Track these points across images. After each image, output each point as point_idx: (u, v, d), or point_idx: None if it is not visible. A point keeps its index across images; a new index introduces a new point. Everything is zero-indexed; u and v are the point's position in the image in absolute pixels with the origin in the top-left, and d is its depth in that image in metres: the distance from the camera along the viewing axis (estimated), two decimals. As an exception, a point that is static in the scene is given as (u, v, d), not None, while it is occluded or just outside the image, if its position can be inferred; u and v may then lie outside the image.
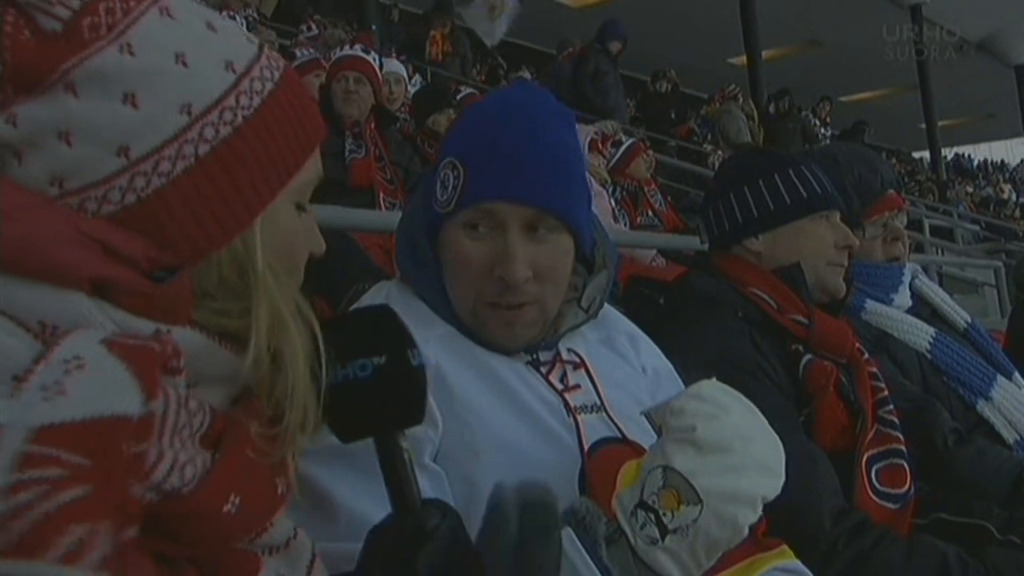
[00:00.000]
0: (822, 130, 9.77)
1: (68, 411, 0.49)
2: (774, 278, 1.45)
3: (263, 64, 0.64)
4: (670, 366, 1.18)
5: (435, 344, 0.97)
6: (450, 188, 0.99)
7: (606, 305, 1.14)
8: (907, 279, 1.85)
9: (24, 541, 0.45)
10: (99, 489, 0.48)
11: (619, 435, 1.01)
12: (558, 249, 1.01)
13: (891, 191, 1.85)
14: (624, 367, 1.12)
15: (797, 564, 1.11)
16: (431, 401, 0.89)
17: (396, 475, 0.70)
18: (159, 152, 0.58)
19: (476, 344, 1.02)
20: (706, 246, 1.60)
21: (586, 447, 0.98)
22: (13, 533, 0.45)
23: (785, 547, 1.11)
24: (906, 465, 1.38)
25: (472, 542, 0.71)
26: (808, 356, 1.39)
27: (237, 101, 0.61)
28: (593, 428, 1.00)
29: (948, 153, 19.61)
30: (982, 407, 1.70)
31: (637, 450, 1.01)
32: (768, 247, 1.47)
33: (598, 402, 1.02)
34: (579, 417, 0.99)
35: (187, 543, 0.58)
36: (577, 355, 1.06)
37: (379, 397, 0.70)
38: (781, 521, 1.15)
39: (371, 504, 0.84)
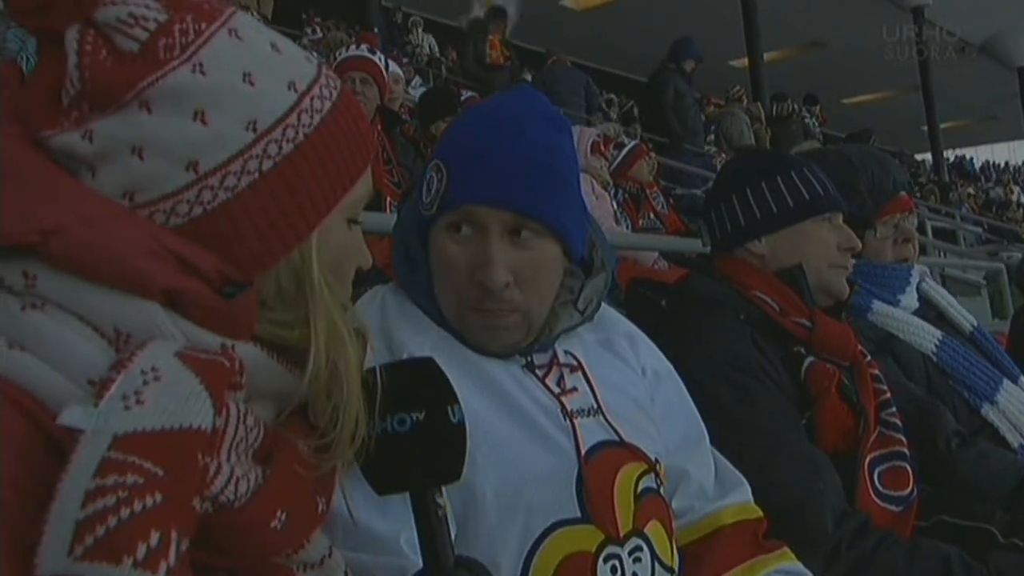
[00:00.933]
0: (817, 129, 9.75)
1: (147, 420, 0.51)
2: (776, 280, 1.45)
3: (322, 84, 0.66)
4: (670, 367, 1.17)
5: (429, 351, 0.96)
6: (433, 190, 0.99)
7: (604, 306, 1.13)
8: (915, 281, 1.84)
9: (105, 545, 0.47)
10: (173, 498, 0.50)
11: (617, 438, 1.00)
12: (542, 255, 0.99)
13: (903, 193, 1.85)
14: (623, 369, 1.11)
15: (798, 566, 1.10)
16: None
17: (430, 531, 0.69)
18: (226, 167, 0.60)
19: (469, 349, 1.01)
20: (708, 248, 1.60)
21: (583, 451, 0.97)
22: (95, 537, 0.47)
23: (787, 549, 1.11)
24: (908, 467, 1.38)
25: None
26: (810, 359, 1.38)
27: (299, 119, 0.63)
28: (590, 431, 0.99)
29: (950, 155, 19.59)
30: (987, 411, 1.69)
31: (635, 453, 1.01)
32: (771, 249, 1.47)
33: (595, 405, 1.02)
34: (576, 421, 0.99)
35: (228, 555, 0.59)
36: (574, 358, 1.05)
37: (417, 452, 0.69)
38: (784, 523, 1.15)
39: (370, 514, 0.84)
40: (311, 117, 0.64)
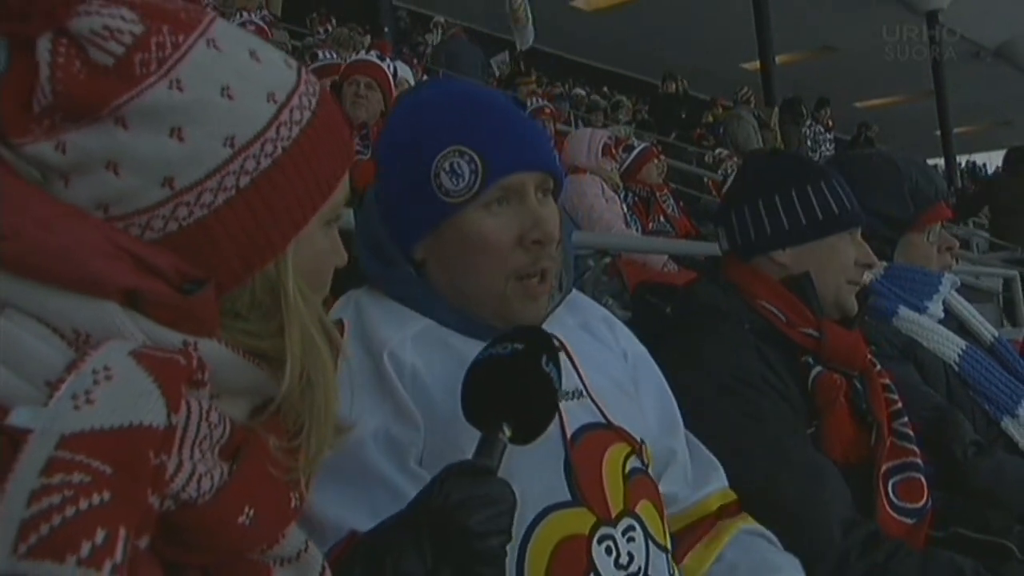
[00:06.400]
0: (828, 135, 9.65)
1: (95, 419, 0.51)
2: (783, 290, 1.41)
3: (302, 91, 0.66)
4: (645, 351, 1.18)
5: (411, 344, 0.97)
6: (467, 174, 0.98)
7: (576, 292, 1.14)
8: (944, 290, 1.80)
9: (49, 543, 0.47)
10: (121, 496, 0.50)
11: (603, 420, 1.00)
12: (556, 210, 1.04)
13: (942, 202, 1.84)
14: (604, 351, 1.11)
15: (758, 526, 1.13)
16: (411, 405, 0.92)
17: (489, 456, 0.80)
18: (202, 184, 0.60)
19: (456, 333, 1.01)
20: (728, 251, 1.56)
21: (568, 435, 0.97)
22: (39, 535, 0.47)
23: (747, 515, 1.14)
24: (922, 479, 1.36)
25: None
26: (818, 368, 1.36)
27: (278, 132, 0.63)
28: (575, 415, 0.99)
29: (963, 160, 19.48)
30: (1007, 424, 1.66)
31: (621, 435, 1.01)
32: (794, 260, 1.43)
33: (581, 387, 1.01)
34: (560, 404, 0.97)
35: (200, 552, 0.59)
36: (557, 340, 1.04)
37: (510, 377, 0.82)
38: (789, 532, 1.15)
39: (357, 518, 0.85)
40: (290, 129, 0.63)
